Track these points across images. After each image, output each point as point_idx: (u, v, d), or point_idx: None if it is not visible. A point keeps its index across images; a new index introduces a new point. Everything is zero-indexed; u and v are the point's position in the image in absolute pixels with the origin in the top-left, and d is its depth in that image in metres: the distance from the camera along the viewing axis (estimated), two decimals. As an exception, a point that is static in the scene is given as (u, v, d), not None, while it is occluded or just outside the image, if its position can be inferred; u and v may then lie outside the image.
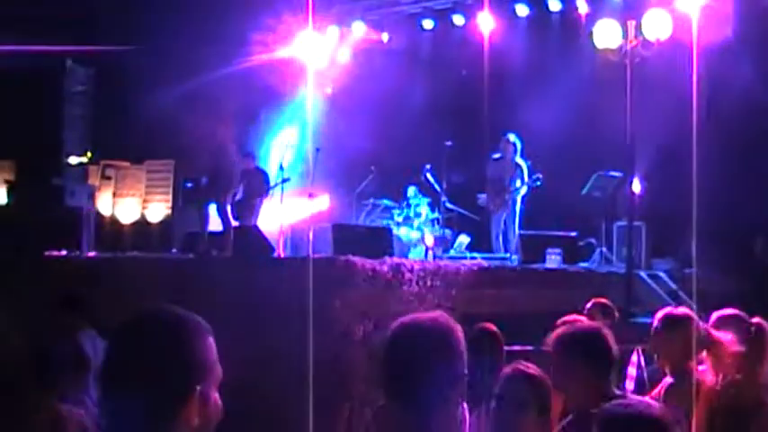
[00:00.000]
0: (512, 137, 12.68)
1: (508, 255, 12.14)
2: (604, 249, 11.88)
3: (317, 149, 12.68)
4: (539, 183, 12.40)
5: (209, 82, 12.71)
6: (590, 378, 3.75)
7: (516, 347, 6.04)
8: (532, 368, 3.88)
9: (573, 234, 11.65)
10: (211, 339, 2.13)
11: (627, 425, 2.79)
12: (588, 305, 6.46)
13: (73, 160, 13.13)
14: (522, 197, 12.72)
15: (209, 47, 12.98)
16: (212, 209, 11.18)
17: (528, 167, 12.60)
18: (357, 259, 8.31)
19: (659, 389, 4.71)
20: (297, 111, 14.95)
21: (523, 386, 3.81)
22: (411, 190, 13.27)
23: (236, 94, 12.33)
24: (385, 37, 15.33)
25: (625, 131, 10.68)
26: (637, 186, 11.35)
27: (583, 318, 5.50)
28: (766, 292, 10.27)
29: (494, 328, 5.60)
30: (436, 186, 12.89)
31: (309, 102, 14.21)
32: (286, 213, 12.33)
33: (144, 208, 15.18)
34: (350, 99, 15.36)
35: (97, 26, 13.38)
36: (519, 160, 12.67)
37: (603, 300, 6.68)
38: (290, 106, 14.90)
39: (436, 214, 12.92)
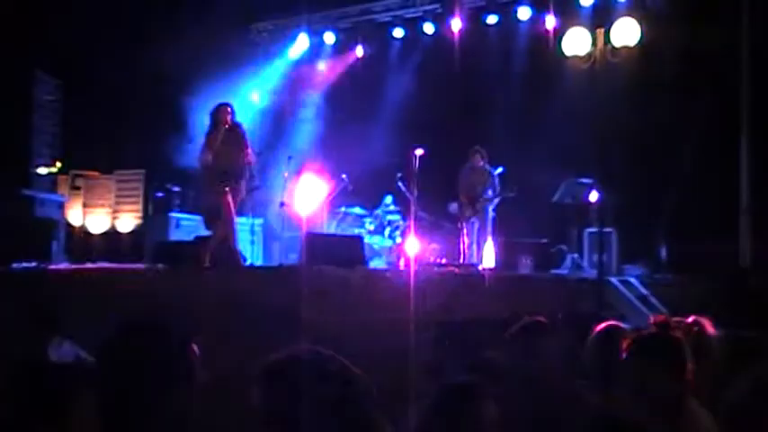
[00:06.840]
0: (477, 147, 12.77)
1: (480, 262, 12.17)
2: (575, 256, 11.95)
3: (290, 157, 12.62)
4: (512, 194, 12.45)
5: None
6: None
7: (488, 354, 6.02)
8: None
9: (544, 241, 11.68)
10: None
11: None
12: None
13: (42, 171, 13.01)
14: (495, 206, 12.76)
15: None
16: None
17: (499, 176, 12.66)
18: (329, 268, 8.28)
19: None
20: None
21: None
22: (388, 198, 13.23)
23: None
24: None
25: (594, 137, 10.76)
26: (594, 195, 11.34)
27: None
28: (736, 296, 10.34)
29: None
30: (408, 195, 12.88)
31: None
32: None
33: (114, 218, 15.07)
34: (323, 107, 15.39)
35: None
36: (489, 168, 12.73)
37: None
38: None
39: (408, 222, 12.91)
